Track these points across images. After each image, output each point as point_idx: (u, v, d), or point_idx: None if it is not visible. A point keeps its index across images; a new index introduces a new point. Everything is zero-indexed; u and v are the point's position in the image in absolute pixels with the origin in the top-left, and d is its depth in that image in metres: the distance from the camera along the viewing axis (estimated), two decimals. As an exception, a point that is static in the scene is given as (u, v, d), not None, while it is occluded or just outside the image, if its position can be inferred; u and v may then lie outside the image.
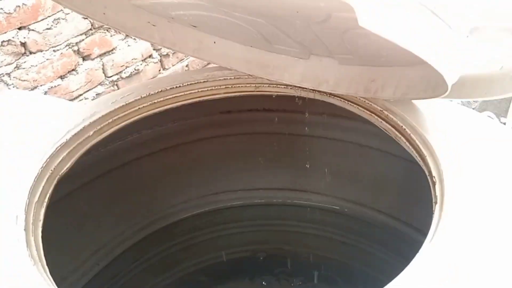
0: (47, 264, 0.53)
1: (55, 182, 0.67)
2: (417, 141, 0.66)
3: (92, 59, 1.91)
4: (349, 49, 0.72)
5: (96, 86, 1.94)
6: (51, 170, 0.67)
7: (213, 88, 0.87)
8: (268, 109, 1.28)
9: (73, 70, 1.83)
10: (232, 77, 0.87)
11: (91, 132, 0.76)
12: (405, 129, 0.69)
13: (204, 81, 0.86)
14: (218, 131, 1.33)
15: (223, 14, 0.69)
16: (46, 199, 0.63)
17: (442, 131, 0.65)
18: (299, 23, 0.66)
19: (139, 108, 0.82)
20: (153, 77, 2.22)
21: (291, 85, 0.85)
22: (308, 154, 1.36)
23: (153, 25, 0.81)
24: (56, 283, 0.54)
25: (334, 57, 0.77)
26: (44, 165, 0.65)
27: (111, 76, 2.00)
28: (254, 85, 0.87)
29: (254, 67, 0.85)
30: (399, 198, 1.23)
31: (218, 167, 1.39)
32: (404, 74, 0.70)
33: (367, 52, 0.70)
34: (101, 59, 1.94)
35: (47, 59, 1.72)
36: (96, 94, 1.94)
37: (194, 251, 1.49)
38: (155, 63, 2.21)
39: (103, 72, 1.97)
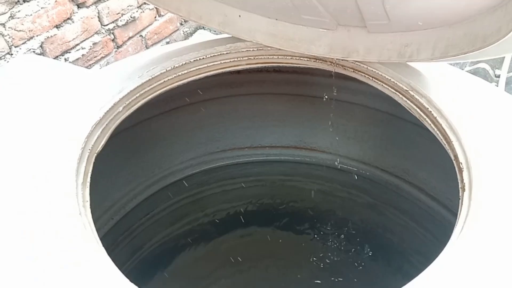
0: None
1: (93, 160, 0.69)
2: (443, 125, 0.69)
3: (87, 7, 1.83)
4: (387, 14, 0.71)
5: (93, 35, 1.88)
6: (89, 149, 0.68)
7: (235, 59, 0.87)
8: (278, 70, 1.28)
9: (68, 19, 1.76)
10: (255, 49, 0.87)
11: (121, 108, 0.76)
12: (431, 111, 0.72)
13: (226, 53, 0.86)
14: (227, 91, 1.34)
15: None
16: (88, 179, 0.65)
17: (470, 116, 0.67)
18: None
19: (164, 81, 0.82)
20: (149, 25, 2.15)
21: (315, 58, 0.85)
22: (316, 114, 1.38)
23: (180, -3, 0.80)
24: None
25: (365, 25, 0.77)
26: (83, 146, 0.66)
27: (107, 25, 1.93)
28: (276, 56, 0.87)
29: (279, 40, 0.84)
30: (403, 159, 1.29)
31: (226, 125, 1.40)
32: (441, 35, 0.70)
33: (405, 17, 0.70)
34: (96, 7, 1.86)
35: (41, 8, 1.65)
36: (93, 44, 1.89)
37: (201, 205, 1.54)
38: (150, 9, 2.14)
39: (99, 21, 1.90)
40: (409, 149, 1.26)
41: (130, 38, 2.06)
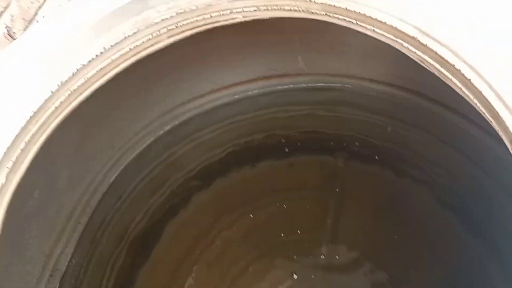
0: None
1: None
2: (483, 92, 0.44)
3: None
4: None
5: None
6: None
7: (150, 37, 0.57)
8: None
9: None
10: (174, 14, 0.56)
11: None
12: (456, 67, 0.46)
13: (133, 33, 0.56)
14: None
15: None
16: None
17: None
18: None
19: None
20: None
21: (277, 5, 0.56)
22: (281, 36, 1.10)
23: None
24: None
25: None
26: None
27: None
28: (208, 15, 0.57)
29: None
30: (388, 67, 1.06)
31: (178, 77, 1.13)
32: None
33: None
34: None
35: None
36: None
37: (177, 164, 1.36)
38: None
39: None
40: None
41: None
